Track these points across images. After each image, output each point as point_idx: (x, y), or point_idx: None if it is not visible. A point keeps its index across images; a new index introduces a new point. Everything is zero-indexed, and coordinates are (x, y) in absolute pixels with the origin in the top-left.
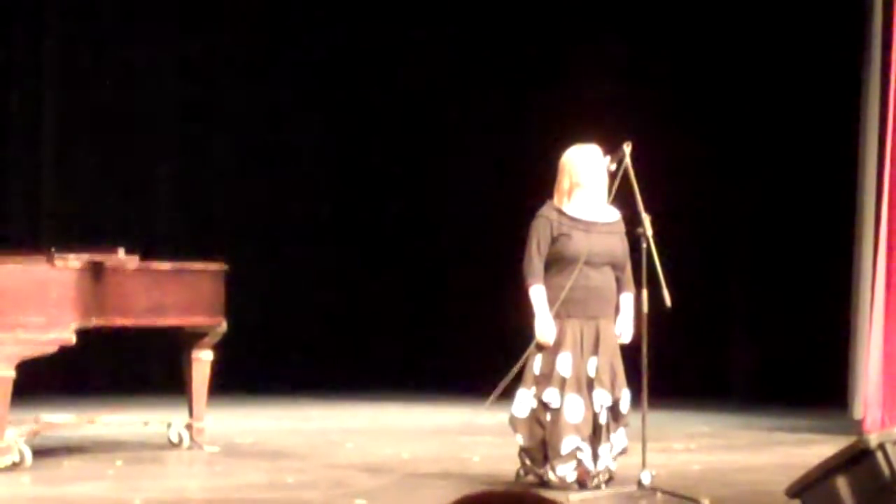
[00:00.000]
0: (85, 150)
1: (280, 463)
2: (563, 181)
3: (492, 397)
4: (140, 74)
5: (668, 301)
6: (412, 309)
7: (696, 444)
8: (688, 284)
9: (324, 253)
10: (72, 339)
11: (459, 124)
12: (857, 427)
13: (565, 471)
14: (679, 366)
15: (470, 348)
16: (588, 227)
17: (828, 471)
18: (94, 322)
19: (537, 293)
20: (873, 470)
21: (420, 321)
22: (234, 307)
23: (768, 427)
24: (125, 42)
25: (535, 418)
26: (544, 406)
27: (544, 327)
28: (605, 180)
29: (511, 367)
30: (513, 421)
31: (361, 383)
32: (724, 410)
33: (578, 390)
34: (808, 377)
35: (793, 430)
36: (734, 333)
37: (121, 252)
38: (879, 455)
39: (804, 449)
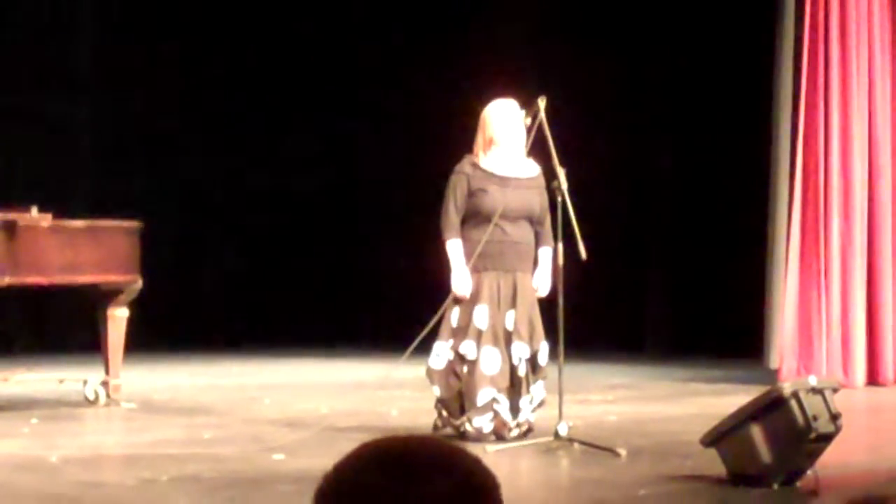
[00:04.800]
0: None
1: (197, 419)
2: (481, 136)
3: (408, 351)
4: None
5: (583, 254)
6: (330, 264)
7: (613, 395)
8: (604, 238)
9: (241, 209)
10: None
11: (376, 81)
12: (772, 377)
13: (482, 422)
14: (595, 318)
15: (389, 303)
16: (504, 181)
17: (743, 419)
18: (7, 280)
19: (454, 247)
20: (787, 417)
21: (338, 276)
22: (149, 264)
23: (684, 378)
24: None
25: (451, 370)
26: (461, 358)
27: (460, 280)
28: (524, 135)
29: (429, 321)
30: (429, 373)
31: (279, 340)
32: (641, 362)
33: (495, 342)
34: (723, 328)
35: (709, 380)
36: (650, 285)
37: (34, 210)
38: (793, 403)
39: (720, 399)
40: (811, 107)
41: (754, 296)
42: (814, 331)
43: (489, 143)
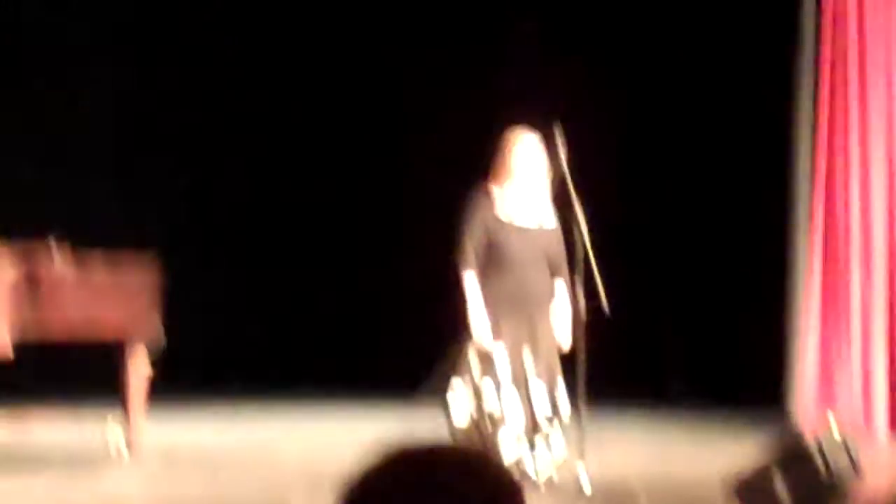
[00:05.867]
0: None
1: (219, 474)
2: (499, 164)
3: (424, 390)
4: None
5: (607, 310)
6: (351, 309)
7: (632, 445)
8: (617, 286)
9: (261, 254)
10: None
11: (395, 116)
12: (793, 424)
13: None
14: (612, 368)
15: (408, 349)
16: (521, 232)
17: (766, 470)
18: (31, 338)
19: (470, 280)
20: (811, 470)
21: (355, 317)
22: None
23: (704, 425)
24: None
25: (475, 427)
26: (481, 410)
27: (478, 325)
28: (544, 174)
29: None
30: (452, 431)
31: (301, 390)
32: (661, 410)
33: (515, 384)
34: (743, 375)
35: (729, 428)
36: (667, 334)
37: (52, 244)
38: (817, 455)
39: (741, 447)
40: (831, 136)
41: (775, 342)
42: (835, 379)
43: (506, 174)
